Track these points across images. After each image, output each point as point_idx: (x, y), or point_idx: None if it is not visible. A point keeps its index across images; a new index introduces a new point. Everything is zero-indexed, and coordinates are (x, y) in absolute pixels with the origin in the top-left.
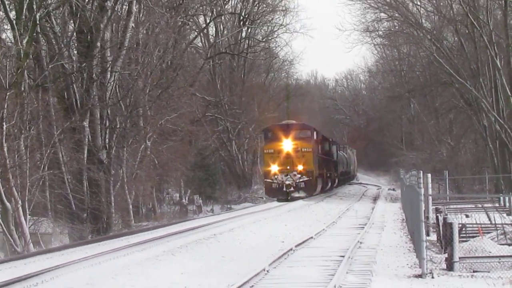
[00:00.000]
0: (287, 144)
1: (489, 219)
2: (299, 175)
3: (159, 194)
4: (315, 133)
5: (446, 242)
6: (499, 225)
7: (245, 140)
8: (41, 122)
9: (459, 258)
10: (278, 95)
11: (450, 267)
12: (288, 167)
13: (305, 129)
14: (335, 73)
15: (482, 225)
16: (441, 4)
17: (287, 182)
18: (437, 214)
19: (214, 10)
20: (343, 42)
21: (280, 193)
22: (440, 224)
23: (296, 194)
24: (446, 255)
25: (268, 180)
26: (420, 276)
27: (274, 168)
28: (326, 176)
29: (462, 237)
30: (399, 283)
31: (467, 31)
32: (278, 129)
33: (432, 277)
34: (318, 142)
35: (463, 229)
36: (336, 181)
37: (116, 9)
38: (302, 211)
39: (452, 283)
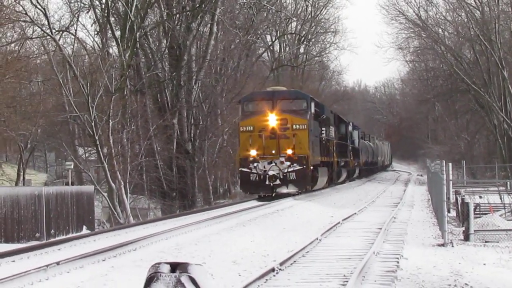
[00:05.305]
0: (272, 119)
1: (500, 199)
2: (288, 163)
3: (233, 178)
4: (312, 104)
5: (463, 218)
6: (507, 205)
7: None
8: (139, 120)
9: (474, 231)
10: (329, 98)
11: (466, 238)
12: (273, 152)
13: (298, 99)
14: (375, 82)
15: (493, 205)
16: (460, 27)
17: (271, 173)
18: (456, 195)
19: (279, 31)
20: (381, 57)
21: (262, 187)
22: (459, 203)
23: (285, 190)
24: (463, 228)
25: (244, 169)
26: (442, 245)
27: (253, 152)
28: (338, 165)
29: (476, 214)
30: (426, 250)
31: (481, 49)
32: (260, 99)
33: (452, 246)
34: (323, 120)
35: (477, 207)
36: (357, 171)
37: (199, 29)
38: (348, 192)
39: (468, 250)
